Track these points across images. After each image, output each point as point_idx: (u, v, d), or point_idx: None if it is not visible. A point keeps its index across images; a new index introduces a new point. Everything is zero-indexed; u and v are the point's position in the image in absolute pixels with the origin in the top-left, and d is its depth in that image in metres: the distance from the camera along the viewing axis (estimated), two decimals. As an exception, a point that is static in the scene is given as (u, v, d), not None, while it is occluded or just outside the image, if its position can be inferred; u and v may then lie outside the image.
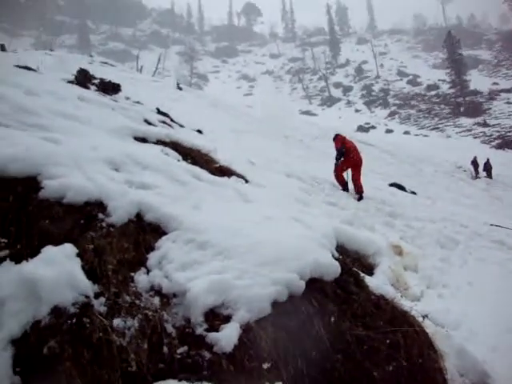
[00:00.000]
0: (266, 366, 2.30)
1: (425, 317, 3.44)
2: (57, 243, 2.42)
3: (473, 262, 6.48)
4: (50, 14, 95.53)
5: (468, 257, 6.66)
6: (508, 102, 58.21)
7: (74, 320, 2.10)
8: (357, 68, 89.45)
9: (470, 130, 53.23)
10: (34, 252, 2.36)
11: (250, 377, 2.24)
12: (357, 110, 70.88)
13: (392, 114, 65.70)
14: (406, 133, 54.95)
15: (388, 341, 2.81)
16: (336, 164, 11.28)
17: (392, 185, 14.73)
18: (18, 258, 2.34)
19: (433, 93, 69.32)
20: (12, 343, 1.97)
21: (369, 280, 3.59)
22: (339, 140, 11.60)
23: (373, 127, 58.13)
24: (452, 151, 39.15)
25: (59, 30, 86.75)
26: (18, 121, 3.93)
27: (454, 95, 63.48)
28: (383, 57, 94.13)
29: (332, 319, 2.73)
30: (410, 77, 79.41)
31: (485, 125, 53.04)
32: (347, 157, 11.10)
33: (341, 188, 10.91)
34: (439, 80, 72.16)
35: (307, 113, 68.79)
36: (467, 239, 7.76)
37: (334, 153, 11.43)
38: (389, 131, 55.84)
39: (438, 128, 56.74)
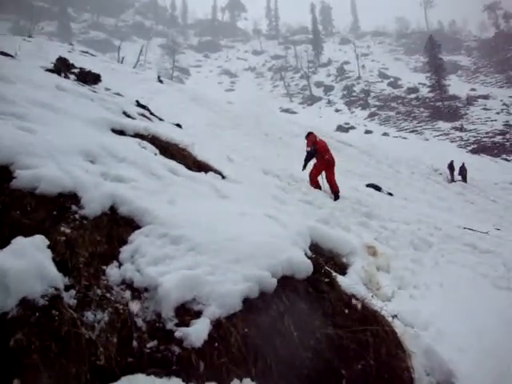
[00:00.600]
0: (235, 361, 2.31)
1: (394, 317, 3.49)
2: (28, 234, 2.39)
3: (444, 264, 6.58)
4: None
5: (440, 259, 6.76)
6: (485, 108, 59.29)
7: (43, 312, 2.07)
8: (339, 68, 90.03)
9: (447, 134, 54.10)
10: (3, 243, 2.32)
11: (219, 372, 2.25)
12: (337, 110, 71.31)
13: (372, 115, 66.29)
14: (385, 134, 55.51)
15: (357, 340, 2.84)
16: (304, 165, 11.39)
17: (369, 185, 14.87)
18: (-14, 249, 2.30)
19: (413, 96, 70.18)
20: (-23, 334, 1.94)
21: (341, 279, 3.62)
22: (311, 140, 11.47)
23: (352, 127, 58.59)
24: (429, 154, 39.73)
25: (39, 15, 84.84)
26: (-8, 108, 3.86)
27: (433, 99, 64.38)
28: (365, 58, 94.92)
29: (303, 317, 2.75)
30: (391, 79, 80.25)
31: (462, 129, 53.99)
32: (320, 158, 11.04)
33: (314, 189, 10.62)
34: (419, 83, 73.10)
35: (288, 111, 68.99)
36: (440, 241, 7.89)
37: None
38: (368, 132, 56.34)
39: (416, 131, 57.51)
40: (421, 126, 58.65)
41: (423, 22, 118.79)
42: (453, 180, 28.91)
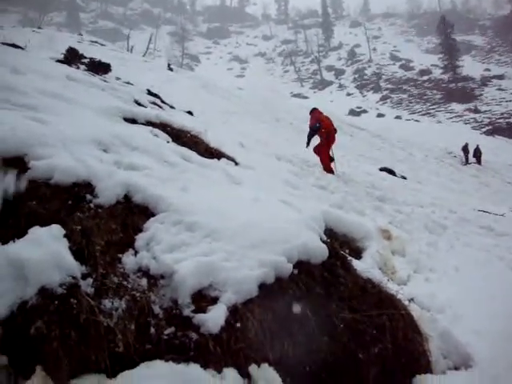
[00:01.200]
0: (252, 347, 2.32)
1: (411, 300, 3.48)
2: (44, 224, 2.41)
3: (460, 247, 6.52)
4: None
5: (455, 242, 6.70)
6: (499, 89, 58.48)
7: (62, 301, 2.10)
8: (349, 51, 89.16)
9: (460, 116, 53.51)
10: (21, 233, 2.34)
11: (236, 358, 2.26)
12: (349, 94, 70.79)
13: (384, 99, 65.74)
14: (398, 117, 55.08)
15: (374, 324, 2.84)
16: (308, 142, 11.01)
17: (382, 169, 14.79)
18: (4, 239, 2.33)
19: (425, 78, 69.35)
20: (-1, 324, 1.97)
21: (356, 264, 3.61)
22: (314, 116, 11.23)
23: (364, 111, 58.21)
24: (443, 137, 39.27)
25: (47, 6, 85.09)
26: (4, 100, 3.87)
27: (446, 80, 63.54)
28: (376, 40, 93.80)
29: (319, 302, 2.75)
30: (403, 61, 79.30)
31: (476, 111, 53.33)
32: (327, 136, 10.73)
33: (328, 171, 10.50)
34: (432, 65, 72.15)
35: (299, 96, 68.64)
36: (455, 224, 7.82)
37: None
38: (380, 115, 55.92)
39: (429, 113, 56.94)
40: (434, 109, 58.07)
41: (435, 1, 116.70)
42: (467, 162, 28.65)
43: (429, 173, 19.88)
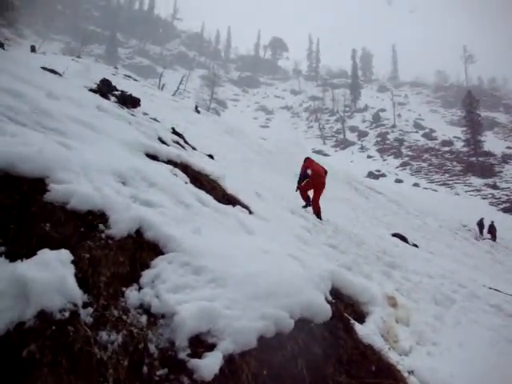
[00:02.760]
0: (243, 400, 2.27)
1: (411, 372, 3.39)
2: (54, 247, 2.43)
3: (467, 323, 6.37)
4: (83, 22, 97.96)
5: (462, 317, 6.55)
6: (520, 167, 58.36)
7: (59, 327, 2.09)
8: (374, 115, 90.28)
9: (479, 191, 53.27)
10: (30, 253, 2.36)
11: (226, 409, 2.21)
12: (369, 156, 71.17)
13: (404, 165, 65.90)
14: (416, 185, 55.02)
15: (370, 392, 2.77)
16: (297, 187, 12.43)
17: (395, 235, 14.67)
18: (13, 257, 2.34)
19: (446, 149, 69.63)
20: (-8, 341, 1.96)
21: (359, 328, 3.55)
22: (305, 165, 12.55)
23: (383, 175, 58.29)
24: (459, 209, 39.08)
25: (89, 38, 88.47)
26: (35, 121, 3.99)
27: (467, 154, 63.73)
28: (402, 107, 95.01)
29: (316, 362, 2.70)
30: (426, 130, 79.94)
31: (495, 187, 53.11)
32: (312, 181, 12.00)
33: (304, 204, 12.09)
34: (454, 137, 72.56)
35: (320, 152, 69.13)
36: (464, 299, 7.66)
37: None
38: (398, 181, 55.95)
39: (447, 184, 56.82)
40: (452, 180, 57.98)
41: (463, 76, 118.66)
42: (482, 238, 28.35)
43: (442, 244, 19.66)
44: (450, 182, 57.38)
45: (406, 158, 68.47)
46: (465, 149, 65.40)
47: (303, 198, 12.21)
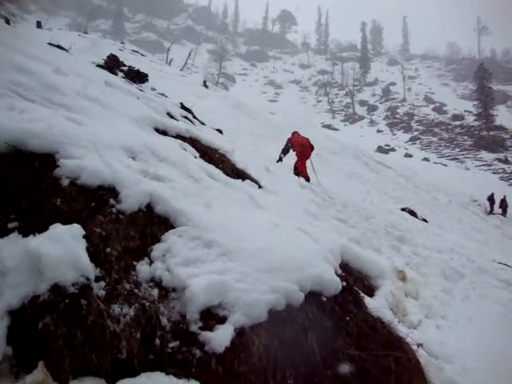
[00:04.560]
0: (254, 371, 2.30)
1: (419, 345, 3.40)
2: (66, 222, 2.46)
3: (475, 297, 6.39)
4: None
5: (471, 292, 6.57)
6: (533, 141, 57.60)
7: (72, 300, 2.12)
8: (384, 88, 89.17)
9: (489, 165, 52.74)
10: (42, 228, 2.38)
11: (237, 380, 2.24)
12: (379, 131, 70.51)
13: (413, 139, 65.23)
14: (425, 159, 54.54)
15: (379, 365, 2.78)
16: (279, 158, 14.02)
17: (404, 209, 14.63)
18: (25, 232, 2.37)
19: (457, 123, 68.75)
20: (9, 314, 2.00)
21: (368, 301, 3.57)
22: (289, 138, 13.96)
23: (392, 149, 57.79)
24: (469, 184, 38.79)
25: (95, 13, 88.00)
26: (44, 97, 3.98)
27: (478, 128, 62.91)
28: (412, 81, 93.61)
29: (326, 335, 2.72)
30: (437, 104, 78.87)
31: (506, 161, 52.52)
32: (301, 153, 13.23)
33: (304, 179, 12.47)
34: (465, 111, 71.55)
35: (329, 127, 68.63)
36: (472, 274, 7.67)
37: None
38: (408, 155, 55.47)
39: (457, 159, 56.27)
40: (463, 155, 57.39)
41: (475, 48, 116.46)
42: (491, 212, 28.19)
43: (451, 218, 19.59)
44: (461, 157, 56.80)
45: (416, 133, 67.75)
46: (476, 123, 64.48)
47: (304, 175, 12.77)
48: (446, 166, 52.42)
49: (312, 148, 13.58)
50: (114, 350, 2.07)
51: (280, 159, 14.07)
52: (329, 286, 2.96)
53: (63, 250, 2.22)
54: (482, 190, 33.14)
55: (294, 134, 14.19)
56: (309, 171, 13.19)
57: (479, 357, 4.02)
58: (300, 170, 12.89)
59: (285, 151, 13.92)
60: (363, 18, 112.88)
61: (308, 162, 13.41)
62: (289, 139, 13.98)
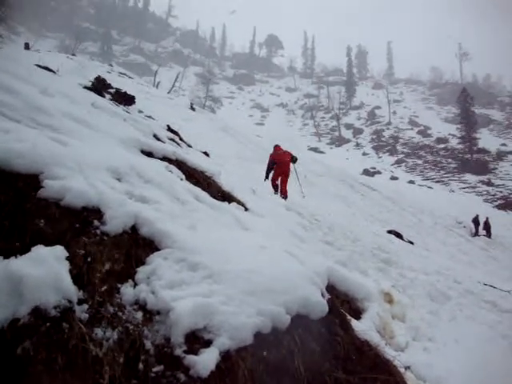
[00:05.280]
0: (240, 397, 2.26)
1: (407, 368, 3.40)
2: (49, 244, 2.42)
3: (462, 319, 6.40)
4: (77, 19, 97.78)
5: (458, 313, 6.58)
6: (515, 165, 58.50)
7: (53, 323, 2.07)
8: (370, 112, 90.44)
9: (474, 187, 53.44)
10: (24, 249, 2.35)
11: (222, 405, 2.20)
12: (364, 154, 71.26)
13: (399, 162, 66.01)
14: (411, 182, 55.14)
15: (367, 388, 2.76)
16: (266, 176, 14.14)
17: (390, 232, 14.70)
18: (7, 253, 2.32)
19: (441, 146, 69.76)
20: (-13, 337, 1.95)
21: (355, 324, 3.55)
22: (271, 155, 14.19)
23: (378, 172, 58.36)
24: (454, 206, 39.13)
25: (84, 36, 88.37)
26: (30, 118, 3.96)
27: (462, 151, 63.84)
28: (397, 104, 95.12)
29: (313, 358, 2.69)
30: (421, 127, 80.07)
31: (489, 184, 53.29)
32: (277, 168, 13.54)
33: (273, 191, 13.33)
34: (449, 134, 72.62)
35: (315, 150, 69.16)
36: (459, 295, 7.69)
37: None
38: (394, 178, 56.00)
39: (442, 181, 56.97)
40: (447, 177, 58.12)
41: (458, 73, 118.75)
42: (477, 234, 28.44)
43: (437, 240, 19.73)
44: (446, 179, 57.52)
45: (402, 155, 68.60)
46: (460, 146, 65.46)
47: (273, 187, 13.50)
48: (431, 188, 52.98)
49: (291, 161, 14.00)
50: (95, 375, 2.02)
51: (267, 176, 14.28)
52: (315, 308, 2.94)
53: (45, 271, 2.18)
54: (466, 212, 33.47)
55: (275, 148, 14.62)
56: (288, 186, 13.60)
57: (467, 379, 4.01)
58: (281, 189, 13.31)
59: (268, 169, 14.18)
60: (349, 42, 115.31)
61: (290, 176, 13.80)
62: (270, 156, 14.31)
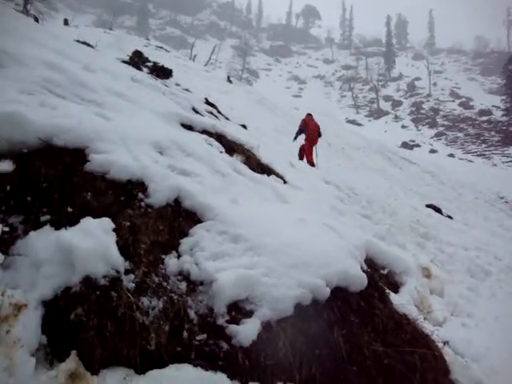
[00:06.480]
0: (280, 365, 2.32)
1: (445, 343, 3.37)
2: (96, 216, 2.51)
3: (502, 296, 6.30)
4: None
5: (498, 290, 6.47)
6: (562, 138, 56.20)
7: (103, 292, 2.17)
8: (409, 83, 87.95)
9: (518, 162, 51.72)
10: (73, 221, 2.44)
11: (263, 374, 2.26)
12: (403, 126, 69.62)
13: (439, 135, 64.26)
14: (451, 155, 53.72)
15: (405, 361, 2.77)
16: (295, 138, 14.24)
17: (429, 206, 14.44)
18: (57, 225, 2.43)
19: (484, 118, 67.39)
20: (43, 304, 2.06)
21: (393, 297, 3.55)
22: (303, 120, 14.11)
23: (417, 145, 57.07)
24: (496, 180, 38.02)
25: (120, 10, 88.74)
26: (74, 94, 4.05)
27: (506, 123, 61.57)
28: (438, 75, 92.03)
29: (352, 330, 2.72)
30: (463, 99, 77.42)
31: (535, 158, 51.44)
32: (308, 137, 13.56)
33: (298, 158, 13.17)
34: (493, 106, 69.98)
35: (353, 122, 68.03)
36: (499, 272, 7.54)
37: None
38: (433, 151, 54.69)
39: (484, 155, 55.25)
40: (490, 151, 56.28)
41: (504, 41, 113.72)
42: (519, 210, 27.65)
43: (477, 216, 19.27)
44: (488, 153, 55.73)
45: (442, 128, 66.68)
46: (504, 118, 63.01)
47: (308, 160, 13.25)
48: (472, 162, 51.51)
49: (320, 135, 13.93)
50: (143, 342, 2.11)
51: (295, 138, 14.31)
52: (355, 281, 2.97)
53: (94, 242, 2.27)
54: (509, 187, 32.50)
55: (308, 116, 14.37)
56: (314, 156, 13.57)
57: (507, 356, 3.96)
58: (306, 154, 13.35)
59: (297, 134, 14.15)
60: (388, 11, 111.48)
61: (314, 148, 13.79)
62: (303, 120, 14.18)
